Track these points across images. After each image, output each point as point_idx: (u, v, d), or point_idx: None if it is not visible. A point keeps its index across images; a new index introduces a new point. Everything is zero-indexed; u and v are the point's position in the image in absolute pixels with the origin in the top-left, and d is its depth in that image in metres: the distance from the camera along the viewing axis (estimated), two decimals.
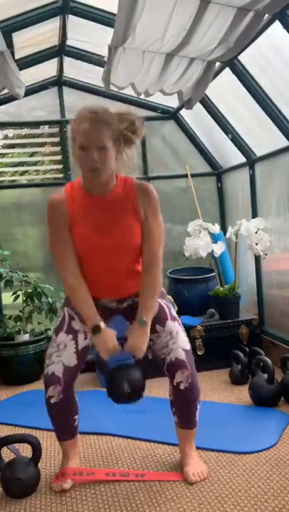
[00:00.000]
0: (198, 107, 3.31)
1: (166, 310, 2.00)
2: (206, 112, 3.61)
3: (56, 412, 1.95)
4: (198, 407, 2.01)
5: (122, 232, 1.86)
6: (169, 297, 3.37)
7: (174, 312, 2.03)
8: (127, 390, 1.82)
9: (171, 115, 4.10)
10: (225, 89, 3.23)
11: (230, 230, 3.44)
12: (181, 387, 1.92)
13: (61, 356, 1.92)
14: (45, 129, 4.70)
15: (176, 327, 1.98)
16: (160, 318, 1.96)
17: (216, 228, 3.59)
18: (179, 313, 3.47)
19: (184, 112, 3.98)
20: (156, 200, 1.89)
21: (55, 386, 1.90)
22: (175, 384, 1.93)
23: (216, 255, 3.53)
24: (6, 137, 4.73)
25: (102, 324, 1.88)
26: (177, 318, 2.03)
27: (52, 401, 1.91)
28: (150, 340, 1.94)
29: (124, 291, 1.99)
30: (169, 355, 1.93)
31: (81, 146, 1.74)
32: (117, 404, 1.91)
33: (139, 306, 1.91)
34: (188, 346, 1.97)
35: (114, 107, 1.84)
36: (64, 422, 2.01)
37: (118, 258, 1.89)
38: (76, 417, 2.02)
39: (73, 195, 1.87)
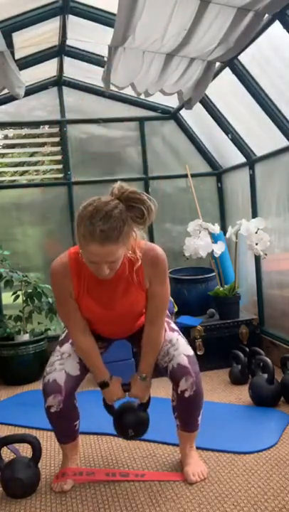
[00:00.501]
0: (198, 107, 3.31)
1: (165, 325, 1.99)
2: (206, 112, 3.61)
3: (56, 420, 1.94)
4: (202, 411, 2.00)
5: (128, 304, 1.87)
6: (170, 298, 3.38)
7: (172, 325, 2.04)
8: (131, 434, 1.99)
9: (171, 115, 4.10)
10: (225, 89, 3.23)
11: (230, 230, 3.43)
12: (186, 395, 1.89)
13: (64, 364, 1.91)
14: (45, 129, 4.70)
15: (175, 336, 1.98)
16: None
17: (216, 228, 3.58)
18: (179, 313, 3.49)
19: (184, 112, 3.98)
20: (164, 266, 1.84)
21: (55, 395, 1.87)
22: (179, 392, 1.89)
23: (216, 255, 3.53)
24: (6, 137, 4.73)
25: (109, 378, 1.95)
26: (176, 329, 2.04)
27: (52, 410, 1.89)
28: None
29: (131, 332, 2.05)
30: (171, 361, 1.91)
31: (91, 260, 1.66)
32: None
33: (140, 362, 1.96)
34: (191, 352, 1.95)
35: (124, 185, 1.66)
36: (64, 428, 2.01)
37: (124, 321, 1.96)
38: (77, 422, 2.02)
39: (78, 270, 1.81)
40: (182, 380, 1.88)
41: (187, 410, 1.97)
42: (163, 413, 2.13)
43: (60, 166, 4.07)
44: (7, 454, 2.11)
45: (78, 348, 1.92)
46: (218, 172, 4.20)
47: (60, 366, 1.90)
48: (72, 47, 3.35)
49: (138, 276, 1.81)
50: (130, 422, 1.97)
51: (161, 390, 2.63)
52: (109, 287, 1.83)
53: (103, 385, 1.94)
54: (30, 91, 3.71)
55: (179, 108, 3.89)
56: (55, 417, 1.92)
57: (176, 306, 3.45)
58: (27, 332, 3.51)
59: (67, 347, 1.96)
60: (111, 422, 2.03)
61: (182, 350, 1.92)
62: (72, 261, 1.81)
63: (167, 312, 2.01)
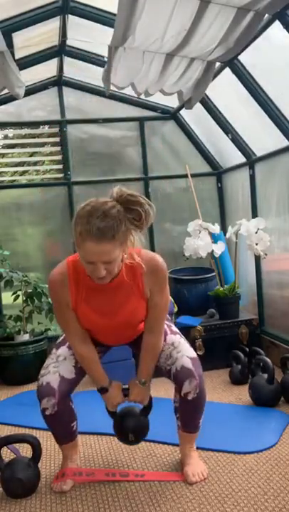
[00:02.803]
0: (198, 107, 3.31)
1: (166, 327, 1.99)
2: (206, 112, 3.61)
3: (52, 422, 1.95)
4: (203, 413, 1.99)
5: (127, 314, 1.85)
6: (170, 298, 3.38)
7: (174, 328, 2.03)
8: (131, 439, 1.98)
9: (171, 115, 4.11)
10: (225, 89, 3.23)
11: (230, 230, 3.44)
12: (189, 397, 1.88)
13: (59, 367, 1.91)
14: (45, 129, 4.70)
15: (177, 339, 1.97)
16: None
17: (216, 228, 3.58)
18: (179, 313, 3.49)
19: (184, 112, 3.98)
20: (165, 275, 1.84)
21: (48, 398, 1.86)
22: (182, 395, 1.89)
23: (216, 255, 3.53)
24: (6, 137, 4.73)
25: (109, 384, 1.95)
26: (178, 332, 2.03)
27: (47, 413, 1.89)
28: None
29: (130, 339, 2.04)
30: (174, 364, 1.89)
31: (87, 260, 1.65)
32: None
33: (139, 367, 1.95)
34: (194, 354, 1.94)
35: (122, 188, 1.67)
36: (62, 429, 2.01)
37: (123, 331, 1.95)
38: (74, 423, 2.01)
39: (76, 278, 1.80)
40: (186, 383, 1.87)
41: (189, 412, 1.97)
42: (163, 413, 2.13)
43: (60, 166, 4.07)
44: (7, 454, 2.11)
45: (78, 356, 1.92)
46: (218, 172, 4.20)
47: (55, 369, 1.90)
48: (72, 47, 3.35)
49: (138, 284, 1.80)
50: (130, 427, 1.96)
51: (162, 390, 2.63)
52: (108, 296, 1.81)
53: (102, 391, 1.94)
54: (30, 91, 3.71)
55: (179, 108, 3.89)
56: (51, 420, 1.92)
57: (176, 306, 3.45)
58: (27, 332, 3.51)
59: (63, 350, 1.95)
60: (111, 422, 2.03)
61: (185, 353, 1.91)
62: (71, 269, 1.80)
63: (168, 316, 2.01)
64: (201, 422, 2.01)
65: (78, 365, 1.94)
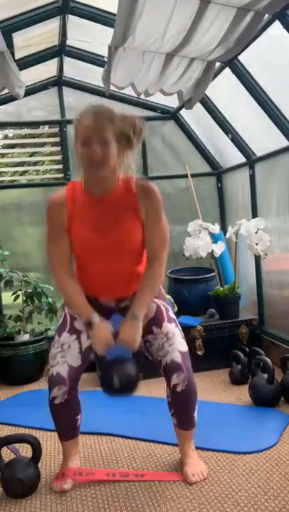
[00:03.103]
0: (198, 107, 3.31)
1: (164, 311, 1.99)
2: (206, 112, 3.61)
3: (60, 412, 1.96)
4: (196, 407, 2.00)
5: (121, 233, 1.84)
6: (169, 297, 3.38)
7: (171, 313, 2.02)
8: (116, 384, 1.83)
9: (171, 115, 4.10)
10: (225, 89, 3.23)
11: (230, 230, 3.44)
12: (178, 389, 1.91)
13: (66, 357, 1.91)
14: (45, 129, 4.70)
15: (172, 328, 1.97)
16: (157, 320, 1.96)
17: (216, 228, 3.59)
18: (179, 313, 3.49)
19: (184, 112, 3.98)
20: (160, 201, 1.87)
21: (60, 387, 1.89)
22: (172, 386, 1.92)
23: (216, 255, 3.53)
24: (6, 137, 4.73)
25: (96, 318, 1.88)
26: (174, 319, 2.02)
27: (56, 402, 1.91)
28: (147, 341, 1.95)
29: (123, 292, 1.98)
30: (165, 357, 1.92)
31: (84, 142, 1.72)
32: (111, 397, 1.92)
33: (135, 300, 1.91)
34: (184, 348, 1.95)
35: (118, 107, 1.82)
36: (67, 422, 2.01)
37: (117, 259, 1.89)
38: (78, 416, 2.03)
39: (74, 196, 1.86)
40: (174, 376, 1.90)
41: (181, 405, 1.98)
42: (163, 413, 2.12)
43: (60, 166, 4.07)
44: (7, 454, 2.11)
45: (58, 284, 1.91)
46: (218, 172, 4.20)
47: (62, 359, 1.91)
48: (72, 47, 3.35)
49: (134, 204, 1.83)
50: (117, 370, 1.84)
51: (162, 390, 2.62)
52: (102, 210, 1.83)
53: (89, 324, 1.88)
54: (30, 91, 3.70)
55: (179, 108, 3.89)
56: (59, 409, 1.94)
57: (176, 306, 3.46)
58: (27, 332, 3.52)
59: (65, 337, 1.94)
60: (111, 421, 2.03)
61: (176, 346, 1.93)
62: (69, 189, 1.88)
63: (169, 299, 2.02)
64: (196, 417, 2.01)
65: (83, 350, 1.94)
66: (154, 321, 1.95)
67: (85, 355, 1.95)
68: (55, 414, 1.97)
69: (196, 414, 2.01)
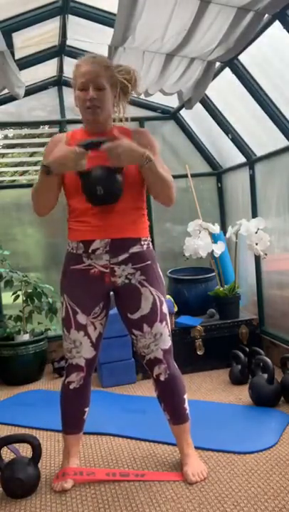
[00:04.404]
0: (198, 107, 3.31)
1: (158, 308, 1.96)
2: (206, 112, 3.61)
3: (71, 398, 2.01)
4: (185, 399, 2.03)
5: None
6: (169, 297, 3.38)
7: (164, 308, 1.99)
8: (100, 193, 1.80)
9: (171, 115, 4.10)
10: (225, 89, 3.23)
11: (230, 230, 3.44)
12: (161, 378, 1.98)
13: (81, 352, 1.97)
14: (45, 129, 4.70)
15: (161, 329, 1.97)
16: (150, 318, 1.95)
17: (216, 228, 3.59)
18: (179, 313, 3.49)
19: (184, 112, 3.98)
20: (155, 141, 1.98)
21: (78, 373, 1.98)
22: (155, 376, 2.00)
23: (216, 255, 3.53)
24: (6, 137, 4.73)
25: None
26: (166, 314, 2.00)
27: (71, 386, 1.99)
28: (135, 336, 1.98)
29: (118, 232, 1.90)
30: (149, 354, 1.98)
31: (81, 86, 1.84)
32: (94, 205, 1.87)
33: None
34: (167, 345, 1.99)
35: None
36: (76, 411, 2.04)
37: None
38: (87, 409, 2.06)
39: (74, 136, 1.98)
40: (156, 368, 1.99)
41: (167, 396, 2.01)
42: (162, 413, 2.13)
43: None
44: (7, 454, 2.11)
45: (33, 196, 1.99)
46: (218, 172, 4.20)
47: (78, 354, 1.97)
48: (72, 47, 3.35)
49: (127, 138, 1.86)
50: (99, 178, 1.76)
51: None
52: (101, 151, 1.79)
53: (48, 170, 1.80)
54: (30, 91, 3.70)
55: (179, 108, 3.89)
56: (71, 395, 2.00)
57: (176, 306, 3.45)
58: (27, 332, 3.51)
59: (74, 334, 1.95)
60: (111, 421, 2.04)
61: (161, 345, 1.97)
62: (69, 134, 2.01)
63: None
64: (188, 410, 2.03)
65: (94, 342, 1.97)
66: (147, 319, 1.95)
67: (96, 344, 2.00)
68: (66, 400, 2.02)
69: (186, 406, 2.03)
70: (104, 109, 1.87)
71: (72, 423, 2.05)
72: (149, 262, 1.96)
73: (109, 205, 1.87)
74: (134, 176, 1.88)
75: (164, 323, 1.99)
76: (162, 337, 1.98)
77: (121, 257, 1.92)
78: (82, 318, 1.95)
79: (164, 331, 1.99)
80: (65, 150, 1.77)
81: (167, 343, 2.00)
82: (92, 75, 1.83)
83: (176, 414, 2.03)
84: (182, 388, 2.03)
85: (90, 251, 1.92)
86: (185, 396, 2.04)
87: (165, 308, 2.01)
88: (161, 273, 2.02)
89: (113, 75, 1.89)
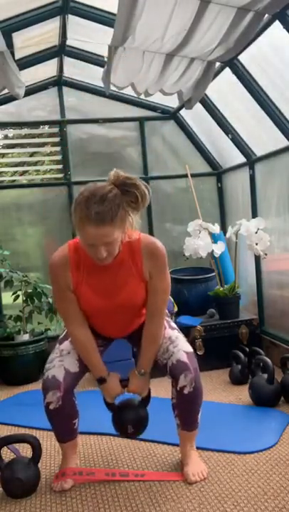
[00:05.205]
0: (198, 107, 3.31)
1: (165, 323, 2.00)
2: (206, 112, 3.61)
3: (55, 417, 1.95)
4: (201, 410, 2.00)
5: (126, 294, 1.87)
6: (169, 297, 3.38)
7: (172, 324, 2.05)
8: (130, 431, 1.98)
9: (171, 115, 4.11)
10: (225, 89, 3.23)
11: (230, 230, 3.44)
12: (185, 391, 1.89)
13: (63, 361, 1.92)
14: (45, 129, 4.70)
15: (175, 333, 1.99)
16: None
17: (216, 228, 3.59)
18: (179, 313, 3.49)
19: (184, 112, 3.98)
20: (164, 258, 1.86)
21: (54, 392, 1.88)
22: (179, 389, 1.90)
23: (216, 255, 3.53)
24: (6, 137, 4.73)
25: (107, 374, 1.95)
26: (176, 328, 2.04)
27: (51, 407, 1.90)
28: None
29: (130, 330, 2.04)
30: (171, 358, 1.92)
31: (88, 243, 1.71)
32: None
33: (139, 357, 1.97)
34: (190, 349, 1.96)
35: (119, 172, 1.72)
36: (64, 426, 2.01)
37: (123, 314, 1.94)
38: (76, 420, 2.02)
39: (77, 260, 1.84)
40: (181, 376, 1.89)
41: (187, 407, 1.98)
42: (163, 413, 2.13)
43: (60, 166, 4.07)
44: (7, 454, 2.11)
45: (75, 341, 1.93)
46: (218, 172, 4.20)
47: (60, 363, 1.92)
48: (72, 47, 3.35)
49: (137, 264, 1.84)
50: (129, 419, 1.98)
51: (162, 389, 2.62)
52: (108, 275, 1.84)
53: (101, 381, 1.95)
54: (30, 91, 3.71)
55: (179, 108, 3.89)
56: (54, 414, 1.92)
57: (176, 306, 3.45)
58: (27, 332, 3.51)
59: (66, 345, 1.97)
60: (111, 421, 2.03)
61: (181, 347, 1.94)
62: (72, 252, 1.85)
63: (167, 312, 2.02)
64: (200, 419, 2.01)
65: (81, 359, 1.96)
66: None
67: (83, 365, 1.96)
68: (51, 419, 1.97)
69: (199, 416, 2.01)
70: (113, 256, 1.77)
71: (63, 434, 2.04)
72: None
73: (120, 320, 1.99)
74: (140, 300, 1.92)
75: (176, 331, 2.02)
76: (179, 339, 1.96)
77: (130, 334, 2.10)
78: None
79: (179, 335, 1.99)
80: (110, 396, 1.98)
81: (188, 347, 1.96)
82: (100, 238, 1.68)
83: (189, 423, 2.01)
84: (201, 400, 1.98)
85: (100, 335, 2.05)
86: (201, 407, 2.00)
87: (173, 324, 2.06)
88: (169, 318, 2.08)
89: (120, 217, 1.69)
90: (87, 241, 1.71)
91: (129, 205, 1.70)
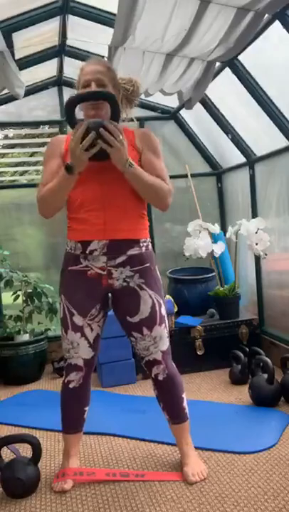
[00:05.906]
0: (198, 107, 3.31)
1: (157, 311, 1.96)
2: (206, 112, 3.61)
3: (70, 399, 2.02)
4: (184, 398, 2.04)
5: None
6: (169, 297, 3.38)
7: (163, 310, 1.99)
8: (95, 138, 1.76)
9: (171, 115, 4.10)
10: (225, 89, 3.23)
11: (230, 230, 3.44)
12: (160, 378, 1.99)
13: (79, 352, 1.98)
14: (45, 129, 4.70)
15: (160, 331, 1.97)
16: (149, 322, 1.94)
17: (216, 228, 3.59)
18: (179, 313, 3.49)
19: (184, 112, 3.98)
20: (157, 141, 1.98)
21: (77, 372, 1.99)
22: (153, 376, 2.01)
23: (216, 255, 3.53)
24: (6, 137, 4.74)
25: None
26: (164, 316, 2.00)
27: (70, 386, 1.99)
28: (134, 338, 1.98)
29: (116, 233, 1.89)
30: (148, 356, 1.99)
31: (84, 83, 1.86)
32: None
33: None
34: (166, 346, 2.00)
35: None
36: (75, 411, 2.04)
37: (113, 188, 1.87)
38: (86, 408, 2.06)
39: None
40: (154, 368, 2.00)
41: (166, 395, 2.02)
42: (162, 413, 2.13)
43: None
44: (7, 454, 2.11)
45: (42, 197, 2.01)
46: (218, 172, 4.20)
47: (76, 354, 1.98)
48: (72, 47, 3.35)
49: (129, 135, 1.92)
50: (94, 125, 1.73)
51: None
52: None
53: (69, 168, 1.79)
54: (30, 91, 3.70)
55: (179, 108, 3.89)
56: (71, 396, 2.01)
57: (176, 306, 3.45)
58: (27, 332, 3.51)
59: (72, 335, 1.96)
60: (111, 421, 2.04)
61: (160, 347, 1.98)
62: (70, 134, 1.85)
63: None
64: (186, 410, 2.04)
65: (91, 343, 1.98)
66: (146, 322, 1.94)
67: (94, 345, 2.00)
68: (66, 400, 2.02)
69: (185, 405, 2.04)
70: (106, 105, 1.81)
71: (72, 422, 2.05)
72: (147, 265, 1.95)
73: (110, 198, 1.87)
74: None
75: (163, 325, 1.99)
76: (162, 339, 1.98)
77: (118, 260, 1.91)
78: (78, 319, 1.95)
79: (163, 333, 1.99)
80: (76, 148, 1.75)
81: (166, 344, 2.00)
82: (95, 73, 1.86)
83: (175, 413, 2.03)
84: (180, 387, 2.03)
85: (87, 252, 1.91)
86: (183, 395, 2.04)
87: (164, 311, 2.00)
88: (159, 275, 2.02)
89: (115, 78, 1.92)
90: (83, 79, 1.87)
91: (123, 83, 1.95)
